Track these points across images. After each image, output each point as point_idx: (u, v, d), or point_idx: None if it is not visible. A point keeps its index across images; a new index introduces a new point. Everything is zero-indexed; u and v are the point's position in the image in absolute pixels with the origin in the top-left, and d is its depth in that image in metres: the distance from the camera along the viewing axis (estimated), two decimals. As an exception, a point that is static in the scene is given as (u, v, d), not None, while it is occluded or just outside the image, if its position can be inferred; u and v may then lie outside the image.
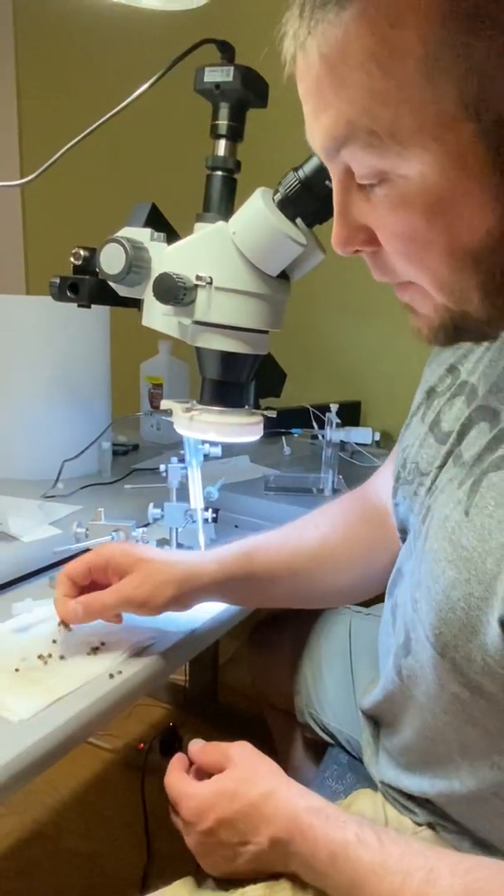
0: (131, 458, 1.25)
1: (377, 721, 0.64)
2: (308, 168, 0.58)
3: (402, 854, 0.46)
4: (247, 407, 0.69)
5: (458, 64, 0.35)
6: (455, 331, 0.45)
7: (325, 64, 0.38)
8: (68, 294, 0.70)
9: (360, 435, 1.09)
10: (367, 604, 1.00)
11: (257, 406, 0.71)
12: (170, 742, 1.43)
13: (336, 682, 0.84)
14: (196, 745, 0.59)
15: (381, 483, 0.76)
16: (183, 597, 0.63)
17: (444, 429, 0.55)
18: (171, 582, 0.62)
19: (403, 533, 0.61)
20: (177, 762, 0.58)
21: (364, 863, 0.46)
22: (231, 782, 0.54)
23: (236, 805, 0.52)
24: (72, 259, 0.70)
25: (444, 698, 0.50)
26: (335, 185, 0.43)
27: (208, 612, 0.71)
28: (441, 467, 0.53)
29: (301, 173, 0.58)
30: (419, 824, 0.58)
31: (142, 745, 1.44)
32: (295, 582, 0.69)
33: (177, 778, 0.57)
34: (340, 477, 1.10)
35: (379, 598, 1.00)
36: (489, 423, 0.48)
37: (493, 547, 0.42)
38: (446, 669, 0.47)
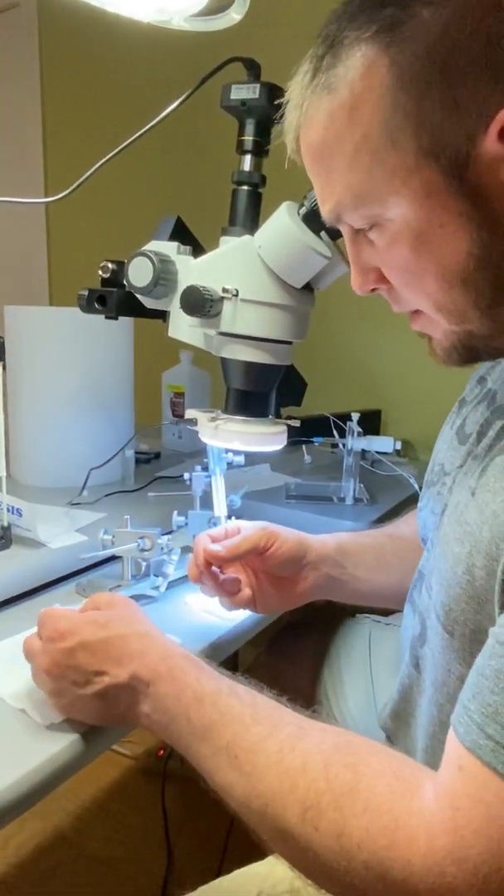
0: (153, 466, 1.26)
1: (393, 741, 0.64)
2: (333, 182, 0.59)
3: (274, 710, 0.46)
4: (270, 416, 0.70)
5: (410, 122, 0.42)
6: (465, 350, 0.49)
7: (315, 150, 0.47)
8: (96, 306, 0.72)
9: (382, 444, 1.09)
10: (386, 613, 1.01)
11: (278, 415, 0.72)
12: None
13: (357, 692, 0.84)
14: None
15: None
16: (298, 559, 0.68)
17: (466, 431, 0.57)
18: (288, 540, 0.68)
19: (424, 541, 0.62)
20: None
21: (232, 711, 0.46)
22: (106, 616, 0.54)
23: (104, 633, 0.51)
24: (100, 272, 0.71)
25: (451, 684, 0.50)
26: (346, 240, 0.51)
27: (230, 620, 0.72)
28: (461, 467, 0.55)
29: (326, 187, 0.59)
30: None
31: (161, 751, 1.45)
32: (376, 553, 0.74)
33: (52, 608, 0.56)
34: (361, 486, 1.10)
35: (399, 609, 1.00)
36: (502, 420, 0.50)
37: (488, 517, 0.44)
38: (455, 649, 0.48)
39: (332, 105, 0.44)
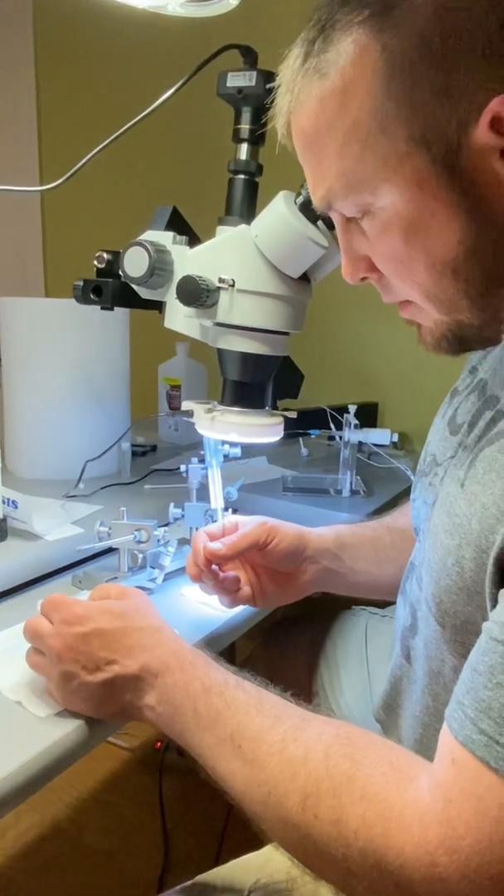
0: (150, 459, 1.26)
1: (385, 731, 0.65)
2: (330, 171, 0.58)
3: (278, 703, 0.48)
4: (267, 408, 0.69)
5: (401, 109, 0.41)
6: (455, 339, 0.49)
7: (306, 137, 0.46)
8: (92, 297, 0.71)
9: (378, 436, 1.09)
10: (382, 605, 1.01)
11: (275, 407, 0.71)
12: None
13: (353, 684, 0.84)
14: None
15: None
16: (297, 553, 0.69)
17: (458, 421, 0.57)
18: (288, 534, 0.68)
19: (417, 532, 0.62)
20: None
21: (238, 701, 0.47)
22: (120, 605, 0.54)
23: (120, 623, 0.52)
24: (95, 262, 0.71)
25: (446, 674, 0.51)
26: (337, 228, 0.50)
27: (227, 612, 0.72)
28: (452, 457, 0.55)
29: (323, 176, 0.58)
30: None
31: (159, 743, 1.45)
32: (376, 547, 0.75)
33: (58, 594, 0.56)
34: (358, 478, 1.10)
35: (394, 600, 1.01)
36: (492, 411, 0.50)
37: (477, 508, 0.44)
38: (446, 640, 0.49)
39: (323, 91, 0.43)
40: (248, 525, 0.68)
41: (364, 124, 0.43)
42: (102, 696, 0.51)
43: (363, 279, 0.51)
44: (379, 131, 0.42)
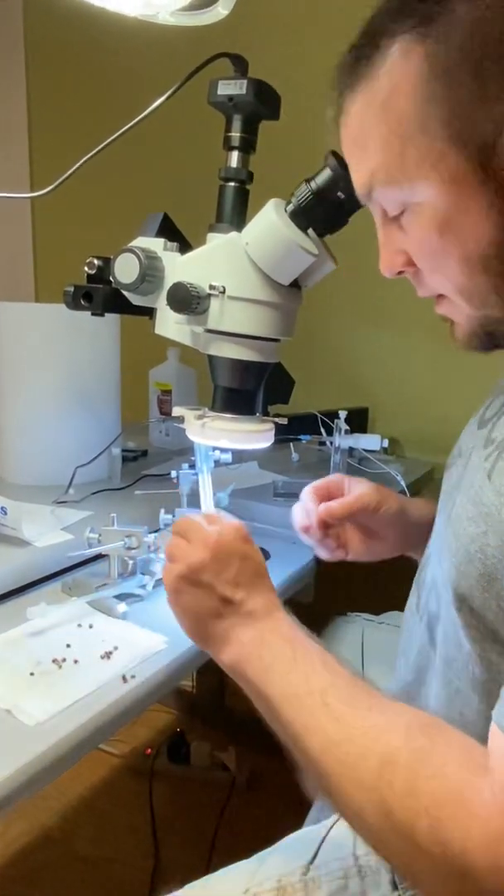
0: (140, 464, 1.26)
1: None
2: (320, 179, 0.59)
3: (366, 683, 0.50)
4: (257, 414, 0.70)
5: (441, 111, 0.44)
6: (486, 336, 0.51)
7: (352, 132, 0.50)
8: (82, 302, 0.71)
9: (369, 441, 1.10)
10: (377, 612, 1.01)
11: (266, 413, 0.72)
12: (177, 747, 1.43)
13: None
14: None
15: None
16: (399, 521, 0.73)
17: (486, 416, 0.58)
18: (395, 504, 0.73)
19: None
20: None
21: (335, 667, 0.50)
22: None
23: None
24: (86, 268, 0.71)
25: (460, 660, 0.52)
26: (377, 222, 0.53)
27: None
28: (480, 448, 0.55)
29: (313, 184, 0.59)
30: None
31: (149, 750, 1.44)
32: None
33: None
34: (349, 483, 1.10)
35: (390, 607, 1.01)
36: None
37: None
38: (462, 625, 0.50)
39: (370, 91, 0.47)
40: (357, 488, 0.73)
41: (406, 123, 0.46)
42: (209, 608, 0.56)
43: (399, 273, 0.54)
44: (419, 131, 0.45)
